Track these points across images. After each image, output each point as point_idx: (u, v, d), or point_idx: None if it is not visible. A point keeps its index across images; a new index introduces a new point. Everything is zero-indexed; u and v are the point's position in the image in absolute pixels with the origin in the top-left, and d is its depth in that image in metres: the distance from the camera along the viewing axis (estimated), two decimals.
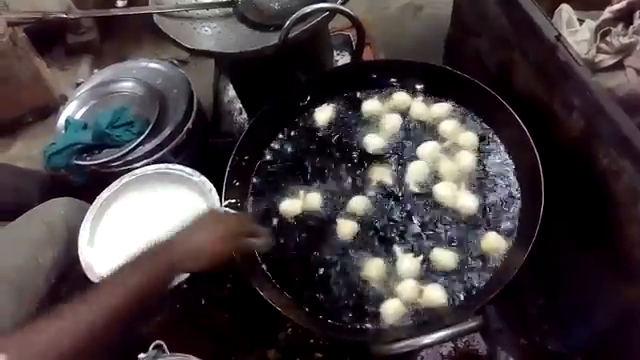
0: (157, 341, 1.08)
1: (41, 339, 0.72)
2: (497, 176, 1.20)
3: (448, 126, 1.27)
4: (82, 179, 1.57)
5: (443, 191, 1.18)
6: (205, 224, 0.98)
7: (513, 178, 1.19)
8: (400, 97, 1.34)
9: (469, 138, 1.25)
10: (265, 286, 1.10)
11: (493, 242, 1.11)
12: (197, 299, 1.34)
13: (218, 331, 1.40)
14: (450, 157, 1.24)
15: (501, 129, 1.25)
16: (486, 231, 1.13)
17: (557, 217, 1.15)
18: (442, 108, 1.31)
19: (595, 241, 1.17)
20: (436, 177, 1.22)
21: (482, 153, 1.24)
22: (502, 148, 1.24)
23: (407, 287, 1.07)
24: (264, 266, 1.16)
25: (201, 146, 1.66)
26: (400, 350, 0.92)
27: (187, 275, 1.16)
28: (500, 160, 1.22)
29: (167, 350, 1.08)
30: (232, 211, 1.20)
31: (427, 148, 1.25)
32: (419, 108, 1.32)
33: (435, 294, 1.06)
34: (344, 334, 1.07)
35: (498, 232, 1.12)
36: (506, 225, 1.13)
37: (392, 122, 1.31)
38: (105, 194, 1.34)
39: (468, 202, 1.16)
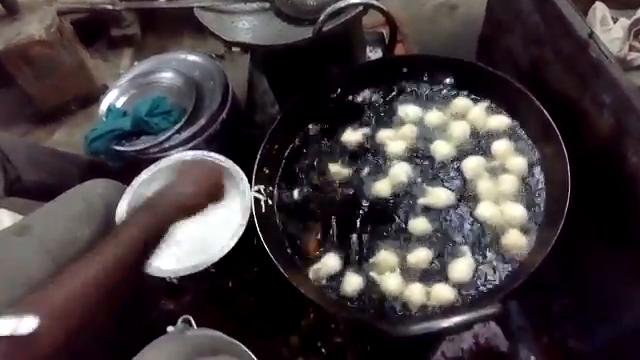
0: (185, 315, 1.12)
1: (65, 295, 0.74)
2: (527, 176, 1.20)
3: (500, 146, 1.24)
4: (119, 164, 1.64)
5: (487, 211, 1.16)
6: (184, 173, 1.05)
7: (539, 174, 1.19)
8: (461, 102, 1.32)
9: (518, 162, 1.21)
10: (290, 269, 1.13)
11: (515, 239, 1.11)
12: (224, 281, 1.37)
13: (244, 314, 1.43)
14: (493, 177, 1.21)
15: (528, 123, 1.25)
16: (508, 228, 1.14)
17: (584, 215, 1.15)
18: (499, 121, 1.28)
19: (623, 241, 1.16)
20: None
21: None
22: (530, 142, 1.24)
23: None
24: (289, 250, 1.20)
25: (234, 136, 1.71)
26: (418, 332, 0.94)
27: (215, 259, 1.20)
28: (529, 155, 1.22)
29: (195, 325, 1.13)
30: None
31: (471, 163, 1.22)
32: (476, 115, 1.30)
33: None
34: (367, 318, 1.10)
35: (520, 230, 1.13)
36: (530, 223, 1.14)
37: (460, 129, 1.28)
38: (143, 176, 1.38)
39: (516, 211, 1.15)
